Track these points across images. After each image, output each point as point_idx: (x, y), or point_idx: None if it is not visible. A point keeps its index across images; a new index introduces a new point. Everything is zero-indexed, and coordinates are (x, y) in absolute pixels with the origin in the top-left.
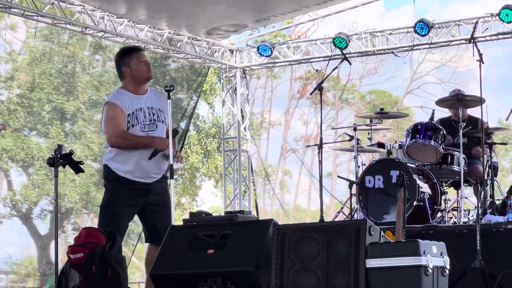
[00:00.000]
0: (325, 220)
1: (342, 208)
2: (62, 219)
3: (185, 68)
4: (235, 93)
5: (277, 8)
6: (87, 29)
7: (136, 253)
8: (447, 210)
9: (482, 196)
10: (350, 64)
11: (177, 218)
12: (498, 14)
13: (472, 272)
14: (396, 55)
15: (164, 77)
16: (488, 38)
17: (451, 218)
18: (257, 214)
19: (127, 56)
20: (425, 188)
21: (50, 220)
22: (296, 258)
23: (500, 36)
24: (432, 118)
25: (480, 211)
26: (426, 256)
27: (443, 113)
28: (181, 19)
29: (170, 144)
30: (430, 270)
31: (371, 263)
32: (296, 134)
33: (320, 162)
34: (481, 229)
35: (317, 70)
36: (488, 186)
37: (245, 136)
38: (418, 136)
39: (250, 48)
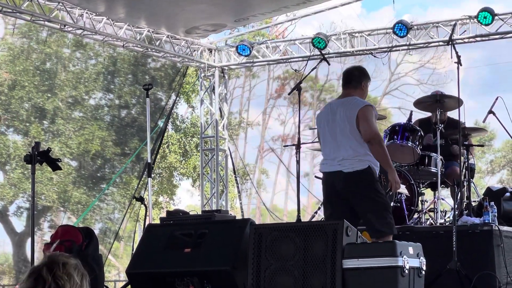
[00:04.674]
0: (302, 220)
1: (319, 208)
2: (38, 216)
3: (165, 67)
4: (214, 92)
5: (256, 8)
6: (66, 26)
7: (112, 251)
8: (424, 211)
9: (458, 198)
10: (329, 64)
11: (155, 217)
12: (476, 17)
13: (448, 273)
14: (374, 56)
15: (144, 76)
16: (466, 40)
17: (428, 219)
18: (243, 215)
19: (369, 78)
20: (402, 189)
21: (26, 217)
22: (273, 258)
23: (478, 39)
24: (410, 119)
25: (456, 213)
26: (402, 257)
27: (423, 114)
28: (160, 18)
29: (148, 144)
30: (406, 271)
31: (348, 263)
32: (274, 134)
33: (298, 162)
34: (457, 231)
35: (295, 70)
36: (465, 187)
37: (223, 135)
38: (395, 137)
39: (229, 47)
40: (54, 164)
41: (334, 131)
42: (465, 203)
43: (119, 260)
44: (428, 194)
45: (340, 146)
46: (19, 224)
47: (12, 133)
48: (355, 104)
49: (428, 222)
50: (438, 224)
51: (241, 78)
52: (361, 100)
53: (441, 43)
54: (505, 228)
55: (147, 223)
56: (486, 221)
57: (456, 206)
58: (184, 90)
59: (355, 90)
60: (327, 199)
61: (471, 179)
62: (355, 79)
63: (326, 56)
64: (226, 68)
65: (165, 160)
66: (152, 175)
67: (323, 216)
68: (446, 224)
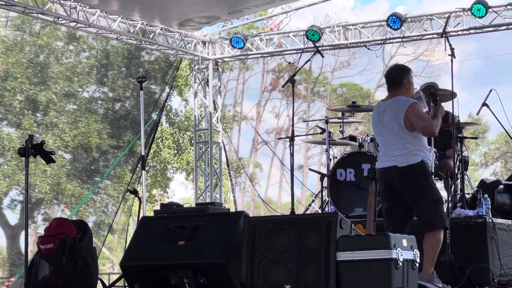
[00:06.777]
0: (296, 213)
1: (313, 201)
2: (32, 209)
3: (159, 60)
4: (207, 85)
5: (250, 0)
6: (59, 19)
7: (106, 244)
8: None
9: (452, 190)
10: (323, 57)
11: (148, 210)
12: (470, 9)
13: (442, 265)
14: (368, 49)
15: (137, 69)
16: (460, 32)
17: None
18: (236, 208)
19: (408, 72)
20: None
21: (20, 210)
22: (267, 250)
23: (472, 31)
24: None
25: (450, 205)
26: (396, 249)
27: None
28: (154, 10)
29: (142, 137)
30: (400, 264)
31: (342, 256)
32: (268, 127)
33: (292, 155)
34: (451, 223)
35: (289, 63)
36: (458, 180)
37: (217, 128)
38: None
39: (222, 40)
40: (48, 157)
41: (383, 131)
42: (458, 196)
43: (113, 253)
44: None
45: (390, 145)
46: (13, 217)
47: (6, 126)
48: (400, 106)
49: None
50: None
51: (235, 71)
52: (404, 99)
53: (435, 36)
54: (499, 220)
55: (141, 215)
56: (480, 213)
57: (449, 198)
58: (177, 83)
59: (399, 89)
60: (384, 193)
61: (465, 172)
62: (395, 79)
63: (320, 48)
64: (220, 60)
65: (159, 156)
66: (146, 168)
67: (317, 209)
68: None
